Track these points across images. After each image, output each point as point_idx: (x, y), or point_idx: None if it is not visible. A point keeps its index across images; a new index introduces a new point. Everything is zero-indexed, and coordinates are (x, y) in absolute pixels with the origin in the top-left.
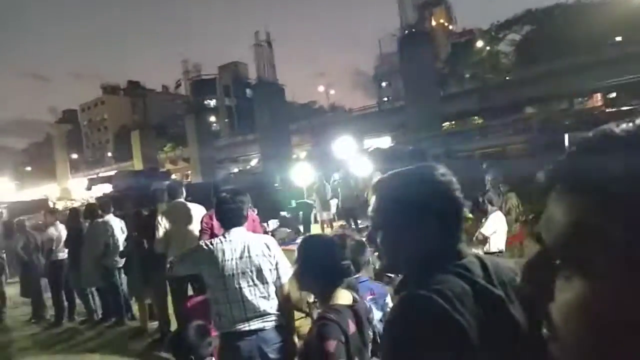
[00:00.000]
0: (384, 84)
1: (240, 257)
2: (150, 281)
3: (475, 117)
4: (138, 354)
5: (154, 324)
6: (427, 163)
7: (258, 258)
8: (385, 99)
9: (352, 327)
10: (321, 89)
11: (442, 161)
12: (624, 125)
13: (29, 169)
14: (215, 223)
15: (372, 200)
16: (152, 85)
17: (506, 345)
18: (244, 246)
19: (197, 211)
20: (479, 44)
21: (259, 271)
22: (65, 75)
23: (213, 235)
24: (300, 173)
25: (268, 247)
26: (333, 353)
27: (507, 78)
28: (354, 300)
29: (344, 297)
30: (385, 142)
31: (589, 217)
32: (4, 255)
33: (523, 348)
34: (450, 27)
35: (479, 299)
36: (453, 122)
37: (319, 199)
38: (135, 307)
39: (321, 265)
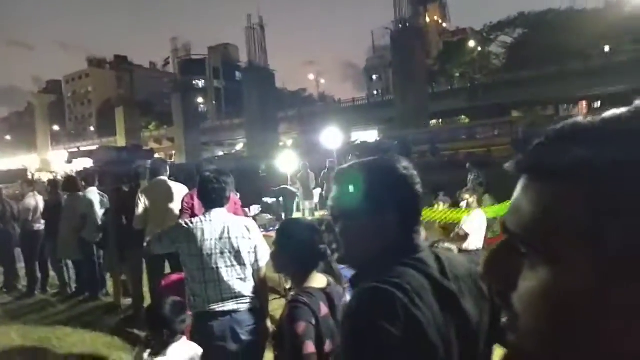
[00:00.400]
0: (374, 77)
1: (220, 238)
2: (127, 257)
3: (462, 117)
4: (110, 329)
5: (128, 301)
6: (389, 156)
7: (237, 240)
8: (375, 92)
9: (323, 310)
10: (311, 77)
11: (427, 158)
12: (590, 118)
13: (8, 137)
14: (197, 203)
15: (333, 189)
16: (139, 61)
17: (460, 340)
18: (224, 227)
19: (179, 190)
20: (471, 43)
21: (237, 252)
22: (50, 45)
23: (193, 215)
24: (286, 160)
25: (248, 229)
26: (301, 334)
27: (496, 79)
28: (328, 283)
29: (318, 280)
30: (372, 135)
31: (556, 205)
32: None
33: (474, 342)
34: (444, 24)
35: (435, 293)
36: (440, 120)
37: (302, 188)
38: (109, 283)
39: (297, 248)
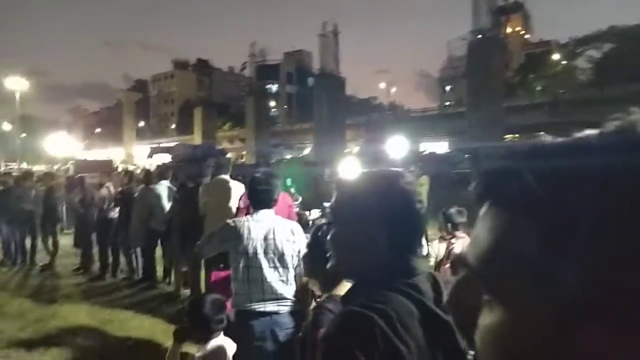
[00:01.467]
0: (447, 87)
1: (265, 239)
2: (187, 250)
3: (542, 133)
4: (168, 317)
5: (187, 292)
6: (396, 169)
7: (281, 242)
8: (448, 103)
9: None
10: (382, 85)
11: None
12: (559, 139)
13: (98, 130)
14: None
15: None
16: (219, 64)
17: None
18: (270, 228)
19: (237, 189)
20: (555, 56)
21: (281, 255)
22: (138, 46)
23: (248, 214)
24: (350, 168)
25: (293, 233)
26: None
27: (582, 95)
28: None
29: (346, 289)
30: (442, 147)
31: (506, 238)
32: (64, 206)
33: None
34: (526, 36)
35: (425, 323)
36: (517, 135)
37: None
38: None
39: (327, 252)
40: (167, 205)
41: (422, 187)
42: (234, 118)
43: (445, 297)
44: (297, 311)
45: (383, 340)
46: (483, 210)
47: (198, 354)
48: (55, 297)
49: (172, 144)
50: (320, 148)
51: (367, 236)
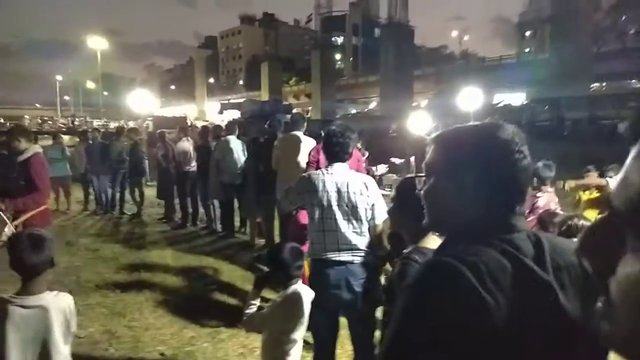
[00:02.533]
0: (527, 33)
1: (339, 191)
2: (261, 202)
3: (633, 81)
4: (245, 264)
5: (261, 241)
6: (496, 121)
7: (355, 196)
8: (527, 50)
9: None
10: (454, 33)
11: (583, 126)
12: None
13: (172, 87)
14: (322, 157)
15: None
16: (285, 18)
17: (549, 341)
18: (344, 182)
19: (309, 144)
20: None
21: (354, 208)
22: (209, 3)
23: (318, 168)
24: (418, 121)
25: (366, 186)
26: None
27: None
28: None
29: (434, 241)
30: (518, 98)
31: None
32: (147, 161)
33: (571, 345)
34: None
35: (520, 281)
36: (604, 84)
37: None
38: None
39: (415, 205)
40: (241, 159)
41: None
42: (300, 73)
43: (547, 257)
44: (370, 263)
45: (468, 292)
46: (636, 149)
47: (277, 299)
48: (143, 244)
49: (241, 100)
50: (387, 102)
51: (463, 190)
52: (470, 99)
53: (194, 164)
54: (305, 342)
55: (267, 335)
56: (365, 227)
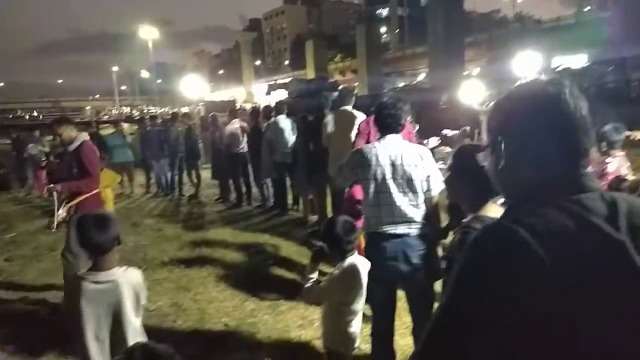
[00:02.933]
0: None
1: (393, 164)
2: (313, 179)
3: None
4: (300, 239)
5: (314, 217)
6: (557, 79)
7: (410, 167)
8: (587, 8)
9: None
10: None
11: None
12: None
13: (221, 72)
14: (373, 130)
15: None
16: None
17: (612, 297)
18: (398, 154)
19: (359, 118)
20: None
21: (410, 180)
22: None
23: (369, 140)
24: (470, 91)
25: (422, 157)
26: None
27: None
28: None
29: (494, 210)
30: (580, 60)
31: None
32: (201, 143)
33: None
34: None
35: (586, 241)
36: None
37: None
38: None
39: (473, 174)
40: (291, 138)
41: None
42: (345, 49)
43: (622, 217)
44: (427, 234)
45: (525, 254)
46: None
47: (334, 272)
48: (202, 223)
49: (287, 80)
50: (436, 72)
51: (526, 152)
52: (527, 64)
53: (244, 145)
54: (363, 315)
55: (327, 307)
56: (421, 199)
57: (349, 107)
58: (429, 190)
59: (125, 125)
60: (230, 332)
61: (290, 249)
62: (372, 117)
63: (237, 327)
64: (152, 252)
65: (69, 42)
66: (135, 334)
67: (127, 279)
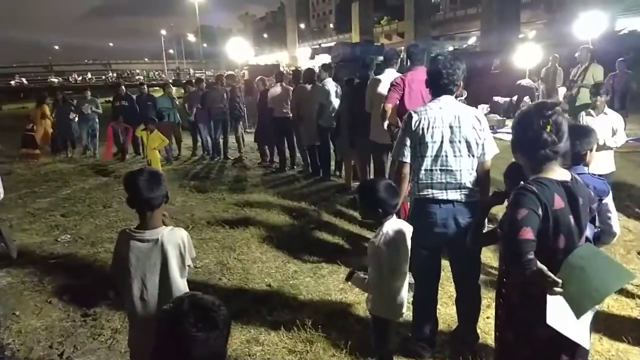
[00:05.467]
0: None
1: (451, 127)
2: (356, 144)
3: None
4: (342, 205)
5: (357, 184)
6: None
7: (468, 130)
8: None
9: (558, 203)
10: None
11: None
12: None
13: (265, 36)
14: (408, 87)
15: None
16: None
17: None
18: (456, 116)
19: None
20: None
21: (468, 143)
22: None
23: (402, 98)
24: (526, 54)
25: (479, 120)
26: (520, 220)
27: None
28: (572, 179)
29: (557, 172)
30: None
31: None
32: (245, 107)
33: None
34: None
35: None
36: None
37: (545, 84)
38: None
39: (532, 136)
40: (335, 102)
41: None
42: (392, 11)
43: None
44: (478, 200)
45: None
46: None
47: (378, 238)
48: (246, 186)
49: (332, 44)
50: (488, 36)
51: None
52: (589, 26)
53: (288, 109)
54: None
55: (374, 273)
56: (475, 163)
57: (393, 70)
58: (483, 154)
59: (174, 89)
60: (272, 292)
61: (331, 214)
62: (409, 74)
63: (280, 288)
64: (198, 213)
65: (121, 4)
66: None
67: (173, 238)
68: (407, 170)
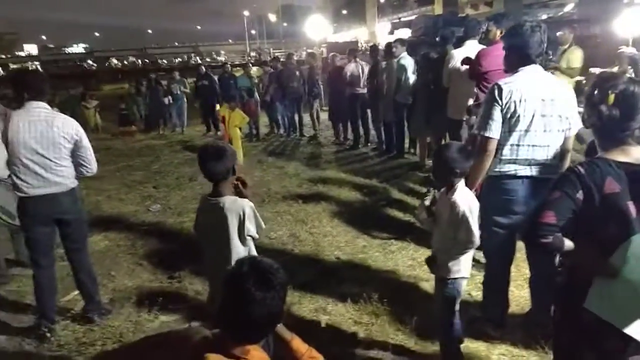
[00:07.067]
0: None
1: (543, 99)
2: (432, 121)
3: None
4: (416, 182)
5: (431, 162)
6: None
7: (560, 104)
8: None
9: (610, 187)
10: None
11: None
12: None
13: (344, 12)
14: (485, 60)
15: None
16: None
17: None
18: (547, 88)
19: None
20: None
21: (559, 117)
22: None
23: (479, 73)
24: (630, 22)
25: (568, 93)
26: (547, 202)
27: None
28: None
29: (628, 152)
30: None
31: None
32: (321, 85)
33: None
34: None
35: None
36: None
37: None
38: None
39: (606, 113)
40: (412, 77)
41: None
42: None
43: None
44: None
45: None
46: None
47: (452, 201)
48: (320, 163)
49: (412, 17)
50: (587, 1)
51: None
52: None
53: (363, 85)
54: (476, 261)
55: (438, 241)
56: (561, 139)
57: (475, 42)
58: (569, 129)
59: (254, 69)
60: (341, 265)
61: (403, 192)
62: (491, 47)
63: (349, 261)
64: (274, 187)
65: None
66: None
67: (234, 207)
68: (493, 146)
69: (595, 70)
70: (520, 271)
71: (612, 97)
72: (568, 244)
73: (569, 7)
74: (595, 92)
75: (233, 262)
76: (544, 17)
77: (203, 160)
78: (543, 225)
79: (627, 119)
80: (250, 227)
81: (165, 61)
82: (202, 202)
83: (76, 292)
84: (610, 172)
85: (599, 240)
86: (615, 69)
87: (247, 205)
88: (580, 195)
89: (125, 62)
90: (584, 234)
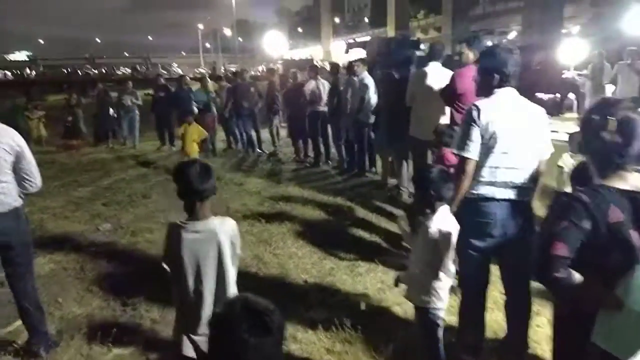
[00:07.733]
0: None
1: (520, 122)
2: (394, 141)
3: None
4: (380, 200)
5: (393, 181)
6: None
7: (537, 126)
8: None
9: (614, 216)
10: None
11: None
12: None
13: (300, 30)
14: (461, 84)
15: None
16: None
17: None
18: (524, 110)
19: (447, 75)
20: None
21: (532, 141)
22: None
23: (455, 94)
24: (569, 50)
25: (542, 117)
26: (555, 232)
27: None
28: None
29: (627, 179)
30: None
31: None
32: (279, 101)
33: None
34: None
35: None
36: None
37: (592, 81)
38: (379, 163)
39: (590, 136)
40: (374, 97)
41: None
42: (429, 4)
43: None
44: (528, 201)
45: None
46: None
47: (430, 227)
48: (281, 180)
49: (366, 39)
50: (530, 31)
51: None
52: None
53: (324, 104)
54: (451, 287)
55: (416, 266)
56: (536, 162)
57: (439, 64)
58: (544, 152)
59: (210, 83)
60: (309, 289)
61: (367, 211)
62: (465, 68)
63: (316, 285)
64: (234, 205)
65: None
66: (233, 284)
67: (225, 229)
68: (472, 167)
69: (542, 96)
70: (490, 294)
71: (613, 123)
72: (577, 277)
73: (512, 35)
74: (594, 117)
75: (231, 289)
76: (489, 44)
77: (190, 178)
78: (556, 259)
79: (627, 144)
80: (238, 247)
81: (119, 72)
82: (178, 229)
83: (19, 322)
84: (614, 200)
85: (603, 270)
86: (558, 95)
87: (233, 222)
88: (587, 224)
89: (68, 70)
90: (587, 264)
